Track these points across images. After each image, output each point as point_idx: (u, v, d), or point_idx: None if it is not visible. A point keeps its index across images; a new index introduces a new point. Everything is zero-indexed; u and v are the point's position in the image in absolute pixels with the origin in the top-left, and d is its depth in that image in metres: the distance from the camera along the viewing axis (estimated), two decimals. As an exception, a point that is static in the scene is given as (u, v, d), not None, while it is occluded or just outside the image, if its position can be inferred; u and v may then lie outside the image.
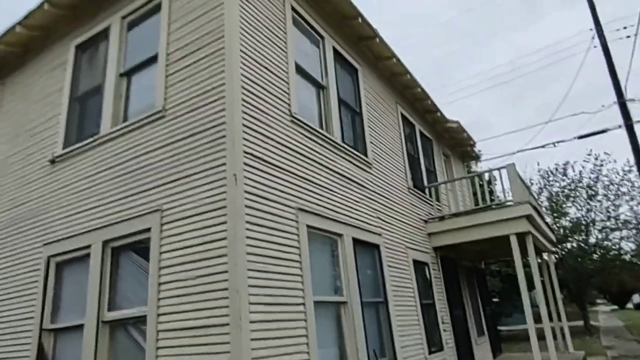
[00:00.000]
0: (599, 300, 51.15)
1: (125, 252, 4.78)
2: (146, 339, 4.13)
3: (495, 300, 19.86)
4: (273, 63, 5.08)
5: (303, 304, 4.49)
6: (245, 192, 4.07)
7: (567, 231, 20.35)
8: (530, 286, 10.95)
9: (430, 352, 7.21)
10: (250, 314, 3.75)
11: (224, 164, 4.10)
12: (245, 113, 4.33)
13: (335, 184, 5.78)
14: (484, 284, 12.74)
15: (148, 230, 4.45)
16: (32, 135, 6.13)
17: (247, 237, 3.96)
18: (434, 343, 7.53)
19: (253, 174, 4.24)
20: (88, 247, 4.87)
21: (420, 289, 7.57)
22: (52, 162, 5.65)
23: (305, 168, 5.17)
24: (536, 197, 16.45)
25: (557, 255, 19.34)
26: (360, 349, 5.23)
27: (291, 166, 4.89)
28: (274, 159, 4.62)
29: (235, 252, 3.82)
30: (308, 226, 4.90)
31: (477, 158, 14.79)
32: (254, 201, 4.16)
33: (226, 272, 3.81)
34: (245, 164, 4.16)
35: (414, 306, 7.21)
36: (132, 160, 4.83)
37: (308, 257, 4.73)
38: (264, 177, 4.39)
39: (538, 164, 23.34)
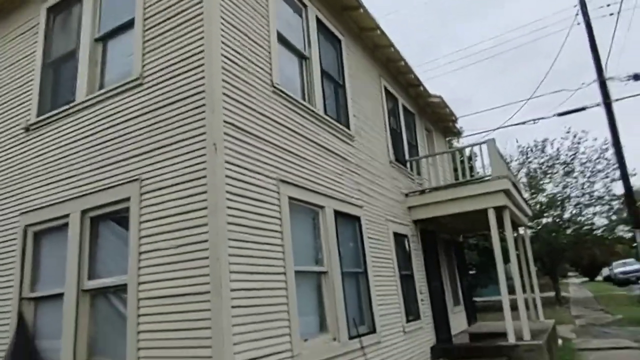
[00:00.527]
0: (570, 273, 53.18)
1: (104, 221, 4.74)
2: (127, 307, 4.16)
3: (472, 272, 20.46)
4: (254, 31, 4.97)
5: (284, 273, 4.55)
6: (226, 162, 4.05)
7: (544, 206, 20.94)
8: (506, 259, 11.28)
9: (407, 321, 7.44)
10: (231, 283, 3.79)
11: (203, 133, 4.05)
12: (225, 81, 4.26)
13: (317, 156, 5.78)
14: (462, 256, 13.09)
15: (127, 199, 4.40)
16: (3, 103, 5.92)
17: (228, 207, 3.96)
18: (411, 312, 7.77)
19: (233, 144, 4.21)
20: (66, 216, 4.81)
21: (399, 260, 7.74)
22: (27, 129, 5.49)
23: (287, 139, 5.14)
24: (515, 173, 16.78)
25: (532, 230, 19.94)
26: (340, 317, 5.37)
27: (272, 137, 4.86)
28: (254, 129, 4.58)
29: (215, 221, 3.82)
30: (289, 197, 4.93)
31: (458, 134, 14.94)
32: (234, 171, 4.14)
33: (207, 241, 3.82)
34: (226, 133, 4.12)
35: (393, 277, 7.38)
36: (110, 129, 4.73)
37: (289, 227, 4.77)
38: (244, 148, 4.36)
39: (517, 141, 23.69)
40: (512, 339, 7.52)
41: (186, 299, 3.84)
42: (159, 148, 4.32)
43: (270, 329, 4.16)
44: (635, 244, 15.42)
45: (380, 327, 6.38)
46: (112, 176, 4.58)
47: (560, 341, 10.52)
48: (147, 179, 4.33)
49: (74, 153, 4.96)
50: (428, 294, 8.76)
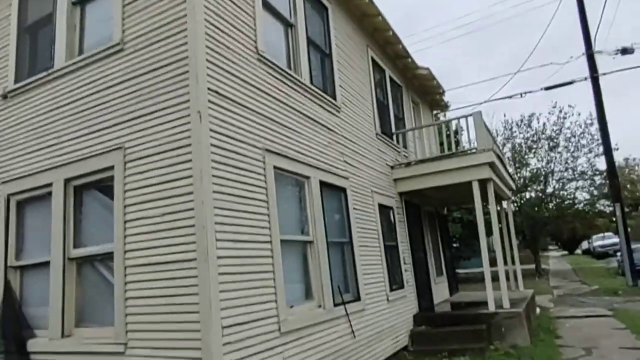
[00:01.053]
0: (550, 247, 54.57)
1: (88, 190, 4.70)
2: (114, 275, 4.18)
3: (455, 244, 20.90)
4: (239, -4, 4.84)
5: (270, 242, 4.60)
6: (211, 130, 4.02)
7: (527, 181, 21.28)
8: (489, 232, 11.53)
9: (391, 290, 7.63)
10: (217, 250, 3.83)
11: (187, 101, 4.00)
12: (209, 48, 4.18)
13: (303, 126, 5.75)
14: (446, 229, 13.33)
15: (111, 168, 4.37)
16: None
17: (213, 176, 3.96)
18: (395, 281, 7.96)
19: (218, 112, 4.17)
20: (49, 185, 4.76)
21: (384, 231, 7.86)
22: (4, 97, 5.35)
23: (272, 109, 5.10)
24: (500, 147, 16.94)
25: (515, 204, 20.33)
26: (325, 285, 5.47)
27: (258, 106, 4.82)
28: (239, 97, 4.53)
29: (201, 190, 3.82)
30: (275, 167, 4.93)
31: (445, 107, 14.94)
32: (219, 140, 4.12)
33: (192, 209, 3.83)
34: (210, 101, 4.07)
35: (378, 247, 7.51)
36: (91, 96, 4.63)
37: (275, 197, 4.80)
38: (229, 116, 4.32)
39: (504, 115, 23.84)
40: (492, 307, 7.76)
41: (173, 266, 3.88)
42: (142, 116, 4.26)
43: (257, 296, 4.24)
44: (615, 218, 15.88)
45: (364, 295, 6.53)
46: (95, 144, 4.52)
47: (538, 310, 10.90)
48: (131, 147, 4.28)
49: (55, 121, 4.87)
50: (412, 264, 8.95)
